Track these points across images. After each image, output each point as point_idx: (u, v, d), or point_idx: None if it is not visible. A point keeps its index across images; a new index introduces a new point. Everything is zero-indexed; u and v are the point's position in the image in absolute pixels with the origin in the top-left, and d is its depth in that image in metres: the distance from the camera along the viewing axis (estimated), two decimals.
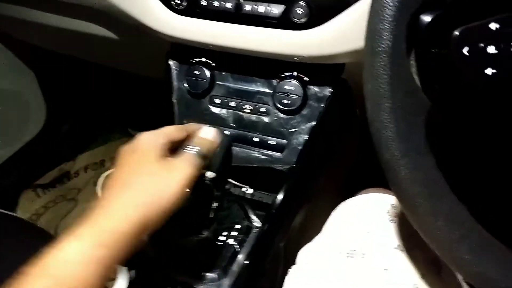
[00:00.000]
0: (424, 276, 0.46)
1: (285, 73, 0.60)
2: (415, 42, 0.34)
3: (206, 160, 0.48)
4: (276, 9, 0.54)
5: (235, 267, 0.53)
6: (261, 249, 0.56)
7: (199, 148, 0.47)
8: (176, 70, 0.67)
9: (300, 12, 0.52)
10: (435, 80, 0.34)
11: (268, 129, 0.61)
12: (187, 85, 0.65)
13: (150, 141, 0.45)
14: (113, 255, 0.39)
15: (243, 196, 0.62)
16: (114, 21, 0.68)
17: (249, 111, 0.62)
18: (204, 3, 0.57)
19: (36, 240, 0.64)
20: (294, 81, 0.59)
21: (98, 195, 1.18)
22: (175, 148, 0.47)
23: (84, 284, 0.37)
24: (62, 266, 0.37)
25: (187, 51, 0.64)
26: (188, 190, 0.44)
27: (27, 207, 1.21)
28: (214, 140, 0.50)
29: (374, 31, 0.34)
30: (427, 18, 0.33)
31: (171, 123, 0.66)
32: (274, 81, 0.61)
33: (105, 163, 1.31)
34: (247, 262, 0.54)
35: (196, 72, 0.64)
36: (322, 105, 0.59)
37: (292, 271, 0.53)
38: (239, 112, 0.63)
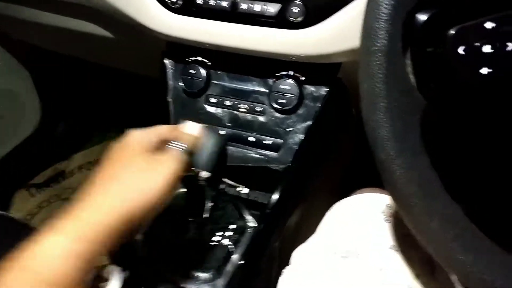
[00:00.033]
0: (418, 276, 0.46)
1: (281, 73, 0.59)
2: (410, 41, 0.34)
3: (192, 155, 0.48)
4: (272, 8, 0.54)
5: (229, 267, 0.53)
6: (256, 249, 0.56)
7: (184, 144, 0.47)
8: (171, 69, 0.66)
9: (296, 11, 0.52)
10: (430, 79, 0.33)
11: (263, 129, 0.61)
12: (182, 84, 0.65)
13: (140, 138, 0.46)
14: (94, 249, 0.38)
15: (238, 196, 0.61)
16: (110, 19, 0.68)
17: (244, 110, 0.62)
18: (200, 1, 0.57)
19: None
20: (290, 81, 0.59)
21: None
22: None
23: (63, 278, 0.36)
24: (40, 260, 0.37)
25: (182, 50, 0.64)
26: (174, 186, 0.44)
27: (21, 206, 1.20)
28: (199, 136, 0.50)
29: (370, 30, 0.34)
30: (423, 17, 0.33)
31: (167, 122, 0.65)
32: (270, 81, 0.61)
33: None
34: (242, 262, 0.54)
35: (192, 71, 0.64)
36: (318, 104, 0.58)
37: (286, 271, 0.53)
38: (235, 112, 0.63)
